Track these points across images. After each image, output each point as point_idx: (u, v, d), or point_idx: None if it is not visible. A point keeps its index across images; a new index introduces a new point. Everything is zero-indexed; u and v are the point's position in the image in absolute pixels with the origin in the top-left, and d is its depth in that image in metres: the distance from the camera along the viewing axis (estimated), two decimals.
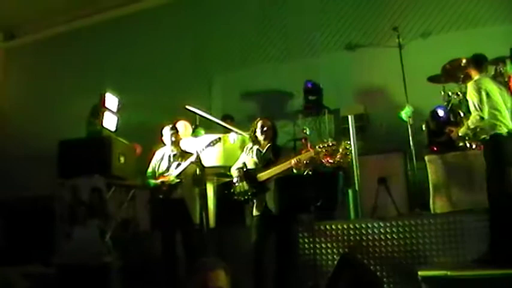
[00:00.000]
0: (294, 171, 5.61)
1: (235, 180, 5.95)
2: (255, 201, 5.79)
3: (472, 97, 5.40)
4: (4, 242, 6.74)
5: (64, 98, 10.63)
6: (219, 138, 6.44)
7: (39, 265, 7.33)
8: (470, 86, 5.51)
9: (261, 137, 5.97)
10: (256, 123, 6.03)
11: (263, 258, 5.66)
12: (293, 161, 5.55)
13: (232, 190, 5.93)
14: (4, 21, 11.78)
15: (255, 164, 5.92)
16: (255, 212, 5.81)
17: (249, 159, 6.00)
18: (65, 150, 7.66)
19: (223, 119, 8.22)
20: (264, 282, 5.65)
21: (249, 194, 5.80)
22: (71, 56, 11.26)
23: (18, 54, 12.33)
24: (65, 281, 6.77)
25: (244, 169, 5.96)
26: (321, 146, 5.52)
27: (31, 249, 7.89)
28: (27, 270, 7.12)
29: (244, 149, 6.19)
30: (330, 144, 5.51)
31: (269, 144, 5.95)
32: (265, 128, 5.94)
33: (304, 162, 5.59)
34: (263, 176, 5.75)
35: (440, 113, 6.77)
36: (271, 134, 5.97)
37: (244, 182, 5.84)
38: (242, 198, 5.86)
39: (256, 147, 6.00)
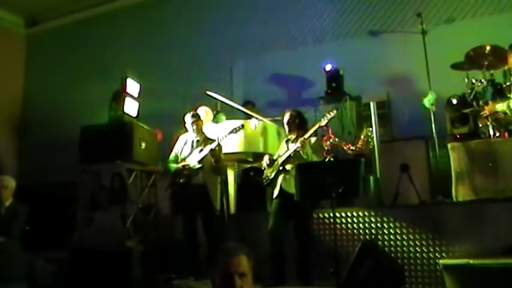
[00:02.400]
0: (301, 152, 5.76)
1: (263, 167, 6.21)
2: (272, 184, 6.02)
3: None
4: (28, 226, 6.79)
5: (86, 83, 10.69)
6: (242, 126, 6.45)
7: (62, 250, 7.39)
8: None
9: (286, 130, 6.20)
10: (283, 116, 6.21)
11: (280, 241, 5.79)
12: (299, 142, 5.75)
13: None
14: (26, 7, 11.85)
15: (284, 152, 6.07)
16: (273, 195, 6.00)
17: (283, 150, 6.15)
18: (87, 136, 7.70)
19: (244, 105, 8.21)
20: (282, 265, 5.71)
21: (269, 177, 6.04)
22: (92, 42, 11.30)
23: (40, 40, 12.39)
24: (87, 265, 6.80)
25: (271, 157, 6.21)
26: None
27: (54, 234, 7.96)
28: (50, 255, 7.24)
29: (284, 141, 6.32)
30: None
31: (296, 135, 6.04)
32: (286, 121, 6.17)
33: (312, 140, 5.83)
34: (279, 160, 5.97)
35: (454, 101, 6.70)
36: (294, 125, 6.11)
37: (269, 169, 6.08)
38: (264, 181, 6.14)
39: (287, 137, 6.22)
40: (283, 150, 6.12)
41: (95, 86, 9.87)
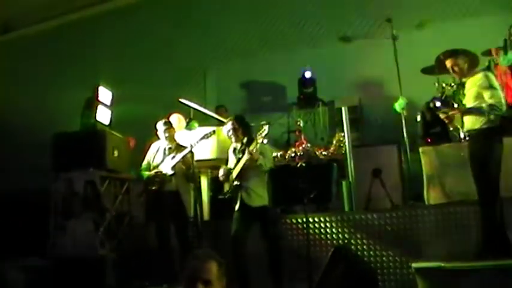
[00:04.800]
0: (256, 164, 5.68)
1: (222, 180, 6.11)
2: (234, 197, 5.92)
3: None
4: (0, 235, 6.71)
5: (58, 91, 10.56)
6: (213, 131, 6.45)
7: (34, 258, 7.31)
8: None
9: (232, 139, 6.13)
10: (225, 125, 6.20)
11: (242, 250, 5.73)
12: (247, 154, 5.67)
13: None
14: None
15: (233, 162, 6.05)
16: (235, 208, 5.90)
17: (232, 159, 6.13)
18: (59, 143, 7.64)
19: (216, 109, 8.23)
20: (245, 273, 5.70)
21: (228, 194, 6.00)
22: (65, 50, 11.16)
23: (12, 48, 12.22)
24: (60, 273, 6.75)
25: (226, 169, 6.09)
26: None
27: (26, 242, 7.87)
28: (23, 263, 7.13)
29: (231, 150, 6.25)
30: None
31: (241, 142, 6.01)
32: (230, 130, 6.10)
33: (255, 150, 5.66)
34: (233, 174, 5.90)
35: (438, 103, 6.74)
36: (238, 132, 6.05)
37: (227, 182, 6.02)
38: (226, 197, 6.05)
39: (233, 146, 6.16)
40: (232, 160, 6.07)
41: (68, 93, 9.74)
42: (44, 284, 6.78)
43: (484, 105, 5.04)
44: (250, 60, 9.57)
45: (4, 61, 12.12)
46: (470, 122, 5.22)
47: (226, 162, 6.25)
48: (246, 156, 5.69)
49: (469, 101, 5.26)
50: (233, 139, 6.09)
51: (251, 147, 5.64)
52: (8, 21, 12.03)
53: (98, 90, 7.69)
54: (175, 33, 10.28)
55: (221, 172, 6.09)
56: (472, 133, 5.26)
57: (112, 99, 7.91)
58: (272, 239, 5.74)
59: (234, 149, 6.11)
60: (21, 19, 11.82)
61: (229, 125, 6.08)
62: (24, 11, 11.44)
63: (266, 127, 5.71)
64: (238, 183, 5.84)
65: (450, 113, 5.35)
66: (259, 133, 5.67)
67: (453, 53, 5.46)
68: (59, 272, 6.79)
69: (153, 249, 6.58)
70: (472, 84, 5.26)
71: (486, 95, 5.10)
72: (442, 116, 5.41)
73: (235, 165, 5.94)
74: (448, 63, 5.48)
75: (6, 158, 10.78)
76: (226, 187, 6.04)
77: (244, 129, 6.06)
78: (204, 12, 10.18)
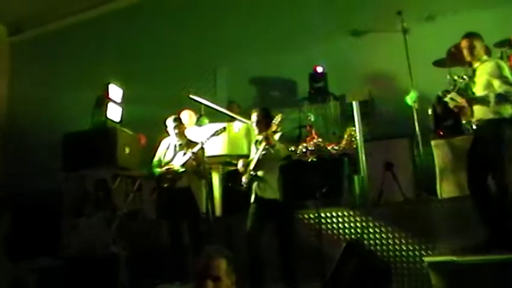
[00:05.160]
0: (272, 151, 5.67)
1: (241, 171, 6.05)
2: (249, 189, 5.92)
3: None
4: (13, 236, 6.73)
5: (69, 90, 10.57)
6: (224, 128, 6.45)
7: (47, 258, 7.35)
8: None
9: (256, 130, 6.06)
10: (251, 115, 6.14)
11: (258, 245, 5.69)
12: (264, 139, 5.68)
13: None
14: (9, 16, 11.76)
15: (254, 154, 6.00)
16: (251, 200, 5.89)
17: (253, 151, 6.08)
18: (70, 143, 7.68)
19: (228, 105, 8.21)
20: (260, 269, 5.65)
21: (245, 185, 5.94)
22: (75, 49, 11.19)
23: (24, 48, 12.29)
24: (74, 272, 6.77)
25: (245, 161, 6.07)
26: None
27: (39, 242, 7.91)
28: (36, 264, 7.18)
29: (253, 143, 6.22)
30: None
31: (263, 135, 5.92)
32: (255, 121, 6.03)
33: (272, 137, 5.68)
34: (251, 164, 5.88)
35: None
36: (263, 125, 5.98)
37: (246, 174, 5.94)
38: (243, 188, 5.98)
39: (256, 138, 6.09)
40: (254, 152, 6.05)
41: (79, 92, 9.76)
42: (57, 284, 6.81)
43: (491, 94, 4.96)
44: (260, 57, 9.50)
45: (15, 62, 12.22)
46: (480, 112, 5.15)
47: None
48: (263, 144, 5.69)
49: (478, 90, 5.19)
50: (256, 131, 6.05)
51: (268, 132, 5.68)
52: (18, 23, 12.10)
53: (108, 87, 7.70)
54: (184, 31, 10.26)
55: (240, 163, 6.07)
56: (480, 124, 5.20)
57: (123, 97, 7.92)
58: (286, 235, 5.71)
59: (256, 141, 6.08)
60: (31, 21, 11.88)
61: (253, 117, 6.05)
62: (33, 13, 11.49)
63: (280, 115, 5.72)
64: (254, 174, 5.83)
65: (459, 100, 5.25)
66: (273, 121, 5.68)
67: (472, 34, 5.37)
68: (71, 272, 6.80)
69: (166, 246, 6.57)
70: (483, 72, 5.18)
71: (496, 83, 5.02)
72: (451, 104, 5.32)
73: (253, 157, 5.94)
74: (464, 42, 5.37)
75: (18, 159, 10.85)
76: (244, 179, 6.00)
77: (266, 123, 5.99)
78: (212, 9, 10.16)
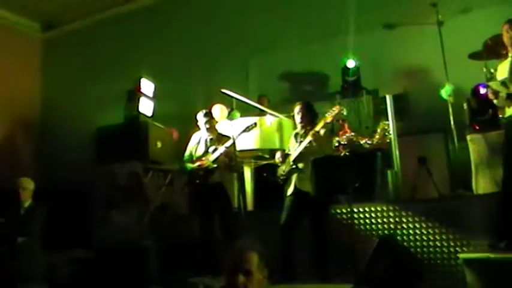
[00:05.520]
0: (314, 143, 5.60)
1: (278, 162, 6.05)
2: (287, 181, 5.89)
3: None
4: (48, 227, 6.81)
5: (101, 84, 10.65)
6: (255, 124, 6.43)
7: (80, 249, 7.44)
8: None
9: (298, 122, 6.01)
10: (294, 108, 6.06)
11: (291, 238, 5.67)
12: (311, 135, 5.59)
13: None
14: (42, 12, 11.92)
15: (293, 147, 5.96)
16: (287, 193, 5.86)
17: (292, 144, 6.05)
18: (103, 136, 7.77)
19: (259, 99, 8.19)
20: (291, 262, 5.63)
21: (282, 175, 5.93)
22: (107, 43, 11.30)
23: (56, 43, 12.44)
24: (105, 264, 6.84)
25: (283, 153, 6.05)
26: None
27: (73, 234, 8.01)
28: (70, 255, 7.28)
29: (293, 135, 6.20)
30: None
31: (308, 128, 5.89)
32: (299, 113, 5.98)
33: (321, 133, 5.63)
34: (291, 156, 5.85)
35: (482, 90, 6.54)
36: (306, 118, 5.95)
37: (283, 165, 5.93)
38: (279, 180, 5.98)
39: (296, 131, 6.06)
40: (293, 145, 6.02)
41: (111, 86, 9.82)
42: (90, 275, 6.86)
43: None
44: (292, 50, 9.44)
45: (48, 57, 12.37)
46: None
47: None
48: (309, 138, 5.64)
49: None
50: (298, 122, 6.01)
51: (317, 128, 5.63)
52: (50, 19, 12.25)
53: (140, 81, 7.74)
54: (216, 25, 10.25)
55: (278, 155, 6.07)
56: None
57: (154, 91, 7.95)
58: (321, 230, 5.66)
59: (296, 134, 6.05)
60: (62, 16, 12.01)
61: (296, 109, 6.01)
62: (65, 8, 11.61)
63: (338, 107, 5.67)
64: (294, 166, 5.80)
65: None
66: (329, 111, 5.66)
67: None
68: (103, 263, 6.87)
69: (197, 240, 6.57)
70: None
71: None
72: (489, 93, 5.19)
73: (296, 149, 5.88)
74: (506, 25, 5.24)
75: (53, 152, 10.99)
76: (280, 171, 5.99)
77: (310, 116, 5.98)
78: (244, 3, 10.14)
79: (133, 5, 11.28)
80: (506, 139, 5.16)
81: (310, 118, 5.97)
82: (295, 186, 5.79)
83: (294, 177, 5.81)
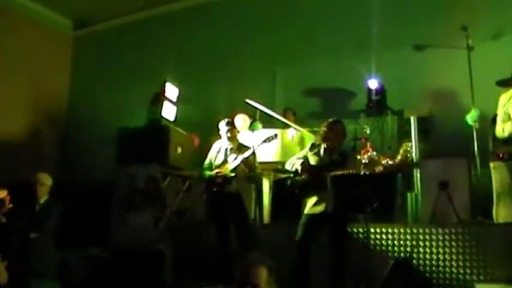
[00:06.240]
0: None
1: (299, 170, 5.84)
2: (309, 199, 5.74)
3: None
4: (63, 224, 6.84)
5: (128, 86, 10.75)
6: (275, 135, 6.40)
7: (96, 248, 7.47)
8: None
9: (332, 140, 5.86)
10: (327, 122, 5.93)
11: (308, 253, 5.58)
12: (377, 170, 5.45)
13: (289, 181, 5.93)
14: (75, 9, 12.04)
15: (318, 162, 5.85)
16: (307, 210, 5.74)
17: (312, 155, 5.93)
18: (124, 137, 7.80)
19: (284, 112, 8.17)
20: (305, 279, 5.55)
21: (309, 187, 5.74)
22: (136, 46, 11.39)
23: (86, 42, 12.56)
24: (120, 265, 6.88)
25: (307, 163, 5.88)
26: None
27: (88, 232, 8.04)
28: (85, 253, 7.33)
29: (308, 145, 6.11)
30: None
31: (336, 146, 5.87)
32: (334, 129, 5.86)
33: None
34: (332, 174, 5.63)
35: None
36: (340, 138, 5.90)
37: (307, 175, 5.78)
38: (298, 190, 5.85)
39: (324, 145, 5.89)
40: (316, 159, 5.89)
41: (137, 89, 9.88)
42: (104, 274, 6.89)
43: None
44: (320, 65, 9.41)
45: (78, 56, 12.53)
46: None
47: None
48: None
49: None
50: (332, 141, 5.85)
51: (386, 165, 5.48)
52: (83, 17, 12.39)
53: (165, 85, 7.77)
54: (245, 34, 10.29)
55: (299, 162, 5.87)
56: None
57: (178, 96, 7.97)
58: (339, 248, 5.58)
59: (327, 150, 5.86)
60: (95, 16, 12.15)
61: (332, 125, 5.87)
62: (99, 8, 11.73)
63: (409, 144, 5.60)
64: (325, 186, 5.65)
65: None
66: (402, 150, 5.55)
67: None
68: (118, 264, 6.91)
69: (212, 248, 6.55)
70: None
71: None
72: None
73: (322, 163, 5.78)
74: None
75: (76, 149, 11.09)
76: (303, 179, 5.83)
77: (343, 135, 5.97)
78: (274, 15, 10.15)
79: (164, 9, 11.36)
80: None
81: (343, 136, 5.95)
82: (323, 205, 5.63)
83: (325, 196, 5.64)
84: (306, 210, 5.76)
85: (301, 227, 5.70)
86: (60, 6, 11.85)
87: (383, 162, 5.62)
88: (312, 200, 5.71)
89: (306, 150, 6.02)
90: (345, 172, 5.51)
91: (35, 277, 5.86)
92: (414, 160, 6.56)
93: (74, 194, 8.54)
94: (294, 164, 5.90)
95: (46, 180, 6.76)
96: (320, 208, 5.58)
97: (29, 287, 5.69)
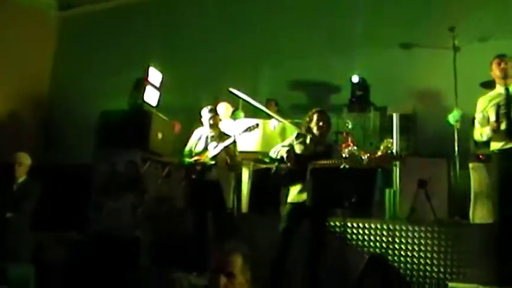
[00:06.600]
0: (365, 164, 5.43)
1: (285, 157, 5.74)
2: (293, 187, 5.71)
3: None
4: (41, 206, 6.77)
5: (111, 69, 10.68)
6: (257, 125, 6.39)
7: (73, 232, 7.42)
8: None
9: (316, 131, 5.83)
10: (313, 115, 5.89)
11: (289, 247, 5.54)
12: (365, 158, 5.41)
13: (274, 169, 5.87)
14: None
15: (303, 151, 5.80)
16: (290, 199, 5.71)
17: (298, 144, 5.87)
18: (105, 121, 7.74)
19: (267, 103, 8.17)
20: (282, 271, 5.52)
21: (294, 176, 5.68)
22: (121, 30, 11.32)
23: (71, 24, 12.45)
24: (97, 250, 6.85)
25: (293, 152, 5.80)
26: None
27: (65, 215, 7.99)
28: (62, 237, 7.28)
29: (294, 134, 6.05)
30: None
31: (322, 138, 5.87)
32: (321, 124, 5.81)
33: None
34: (317, 165, 5.54)
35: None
36: (326, 127, 5.87)
37: (292, 163, 5.70)
38: (282, 179, 5.80)
39: (309, 136, 5.86)
40: (301, 148, 5.84)
41: (120, 72, 9.81)
42: (80, 258, 6.85)
43: None
44: (306, 59, 9.43)
45: (62, 37, 12.46)
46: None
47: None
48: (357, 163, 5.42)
49: None
50: (316, 132, 5.80)
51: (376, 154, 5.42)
52: None
53: (148, 70, 7.71)
54: (231, 23, 10.28)
55: (284, 150, 5.76)
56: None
57: (162, 81, 7.92)
58: (318, 243, 5.55)
59: (312, 141, 5.82)
60: None
61: (319, 116, 5.83)
62: None
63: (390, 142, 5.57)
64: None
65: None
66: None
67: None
68: (95, 248, 6.87)
69: (190, 235, 6.52)
70: None
71: None
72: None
73: (311, 156, 5.69)
74: (496, 60, 5.50)
75: (58, 131, 11.02)
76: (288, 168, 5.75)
77: (329, 127, 5.95)
78: (260, 6, 10.13)
79: None
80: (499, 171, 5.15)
81: (328, 128, 5.92)
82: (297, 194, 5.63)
83: (299, 186, 5.65)
84: (290, 199, 5.72)
85: (285, 217, 5.66)
86: None
87: (363, 157, 5.61)
88: (296, 189, 5.67)
89: (291, 139, 5.94)
90: (326, 162, 5.48)
91: (10, 259, 5.80)
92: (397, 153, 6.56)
93: (54, 176, 8.47)
94: (279, 151, 5.84)
95: (25, 160, 6.66)
96: (304, 196, 5.54)
97: (5, 270, 5.62)
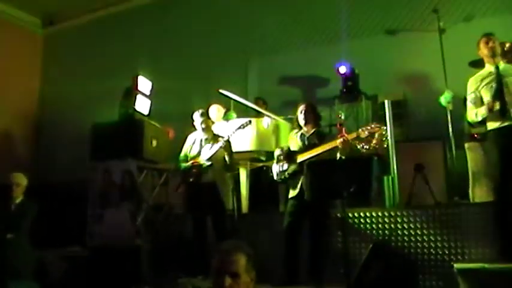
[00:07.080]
0: (338, 154, 5.54)
1: (276, 157, 5.88)
2: (290, 183, 5.78)
3: None
4: (40, 224, 6.77)
5: (100, 82, 10.63)
6: (250, 121, 6.42)
7: (73, 247, 7.48)
8: None
9: (302, 121, 5.91)
10: (298, 108, 5.99)
11: (297, 240, 5.60)
12: (339, 141, 5.49)
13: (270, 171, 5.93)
14: (43, 8, 11.97)
15: (299, 147, 5.86)
16: (290, 195, 5.76)
17: (293, 143, 5.97)
18: (98, 133, 7.72)
19: (255, 102, 8.15)
20: (295, 265, 5.56)
21: (287, 174, 5.76)
22: (106, 41, 11.32)
23: (56, 40, 12.47)
24: (98, 262, 6.89)
25: (286, 150, 5.91)
26: (364, 129, 5.48)
27: (65, 231, 7.98)
28: (62, 253, 7.34)
29: (290, 133, 6.14)
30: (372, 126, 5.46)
31: (314, 129, 5.91)
32: (303, 111, 5.90)
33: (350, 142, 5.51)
34: (302, 156, 5.69)
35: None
36: (311, 117, 5.93)
37: (284, 162, 5.79)
38: (279, 179, 5.84)
39: (301, 131, 5.95)
40: (298, 144, 5.91)
41: (109, 84, 9.78)
42: (83, 272, 6.92)
43: None
44: (293, 53, 9.45)
45: (48, 54, 12.46)
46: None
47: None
48: (332, 144, 5.54)
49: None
50: (302, 121, 5.91)
51: (348, 136, 5.52)
52: (51, 15, 12.31)
53: (137, 79, 7.68)
54: (216, 25, 10.26)
55: (278, 151, 5.90)
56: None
57: (152, 89, 7.90)
58: (320, 238, 5.60)
59: (302, 134, 5.92)
60: (64, 13, 12.06)
61: (301, 108, 5.94)
62: (67, 5, 11.66)
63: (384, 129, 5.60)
64: (302, 169, 5.60)
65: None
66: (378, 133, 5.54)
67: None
68: (96, 261, 6.92)
69: (190, 240, 6.53)
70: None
71: None
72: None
73: (304, 149, 5.77)
74: (484, 39, 5.50)
75: (50, 148, 10.99)
76: (277, 169, 5.84)
77: (314, 117, 5.98)
78: (244, 5, 10.12)
79: (134, 3, 11.30)
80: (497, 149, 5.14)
81: (314, 118, 5.96)
82: (301, 187, 5.63)
83: (301, 180, 5.63)
84: (290, 195, 5.78)
85: (287, 214, 5.72)
86: (27, 5, 11.78)
87: (358, 146, 5.62)
88: (296, 184, 5.73)
89: (298, 141, 5.98)
90: (319, 151, 5.57)
91: (12, 277, 5.79)
92: (389, 144, 6.56)
93: (49, 194, 8.48)
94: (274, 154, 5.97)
95: (21, 181, 6.67)
96: (297, 190, 5.63)
97: None
